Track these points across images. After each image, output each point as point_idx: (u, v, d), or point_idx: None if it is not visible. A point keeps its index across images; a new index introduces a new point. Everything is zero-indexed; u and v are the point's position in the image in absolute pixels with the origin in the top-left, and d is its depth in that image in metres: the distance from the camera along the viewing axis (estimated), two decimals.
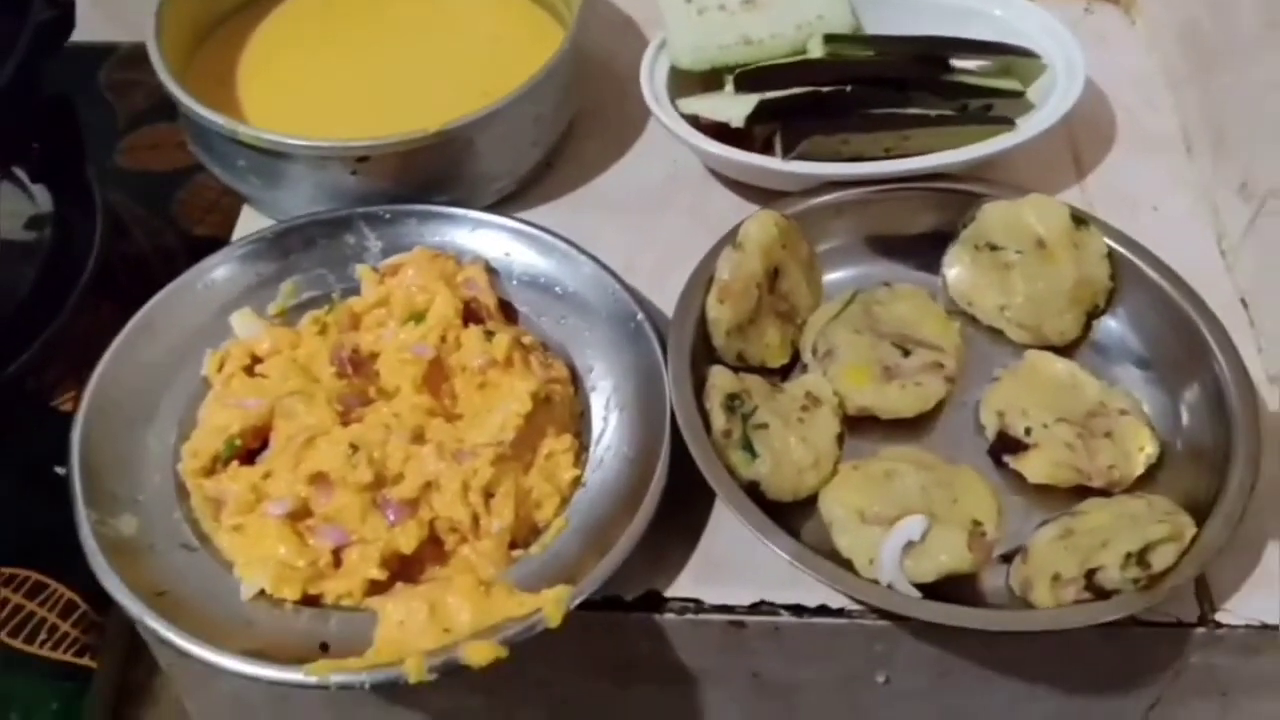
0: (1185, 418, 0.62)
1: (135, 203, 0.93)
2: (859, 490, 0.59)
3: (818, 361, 0.64)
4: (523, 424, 0.59)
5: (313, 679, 0.52)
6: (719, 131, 0.71)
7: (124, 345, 0.63)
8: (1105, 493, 0.60)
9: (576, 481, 0.60)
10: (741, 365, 0.64)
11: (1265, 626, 0.57)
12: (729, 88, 0.73)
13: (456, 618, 0.54)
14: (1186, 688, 0.60)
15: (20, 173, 0.80)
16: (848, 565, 0.57)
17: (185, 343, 0.65)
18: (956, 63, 0.75)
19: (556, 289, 0.67)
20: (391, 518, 0.57)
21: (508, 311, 0.67)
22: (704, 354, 0.63)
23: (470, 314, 0.65)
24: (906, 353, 0.64)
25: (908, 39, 0.74)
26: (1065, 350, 0.66)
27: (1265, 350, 0.66)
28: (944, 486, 0.59)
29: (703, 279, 0.64)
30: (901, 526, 0.56)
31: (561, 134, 0.76)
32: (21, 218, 0.81)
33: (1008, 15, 0.77)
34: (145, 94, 1.01)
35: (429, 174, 0.70)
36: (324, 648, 0.54)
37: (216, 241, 0.69)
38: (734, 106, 0.70)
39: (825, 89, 0.70)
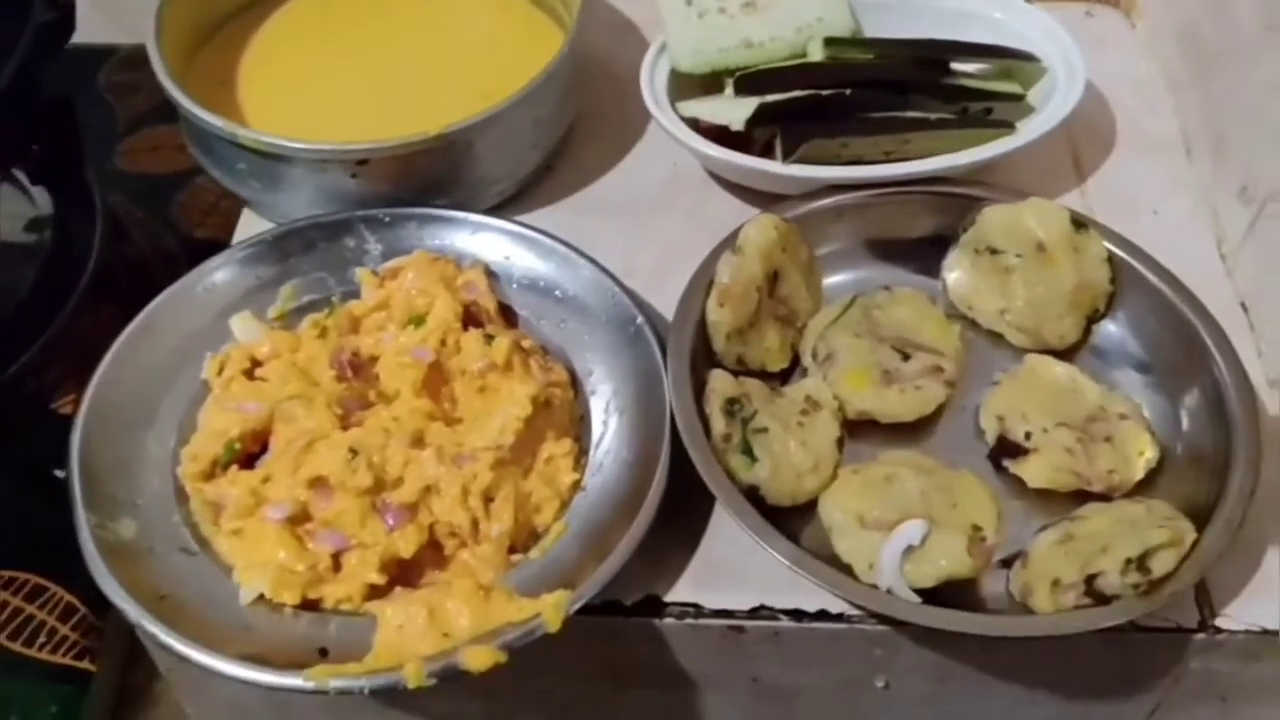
0: (1185, 422, 0.62)
1: (135, 205, 0.93)
2: (859, 495, 0.59)
3: (817, 365, 0.64)
4: (522, 428, 0.59)
5: (311, 684, 0.52)
6: (719, 135, 0.71)
7: (124, 348, 0.63)
8: (1105, 497, 0.60)
9: (576, 485, 0.60)
10: (741, 369, 0.64)
11: (1265, 632, 0.57)
12: (729, 91, 0.73)
13: (456, 622, 0.54)
14: (1187, 693, 0.60)
15: (20, 175, 0.80)
16: (847, 570, 0.57)
17: (185, 346, 0.65)
18: (956, 66, 0.74)
19: (556, 292, 0.67)
20: (391, 522, 0.57)
21: (507, 315, 0.67)
22: (704, 358, 0.63)
23: (470, 317, 0.65)
24: (906, 357, 0.64)
25: (908, 42, 0.74)
26: (1065, 354, 0.66)
27: (1265, 354, 0.66)
28: (944, 491, 0.58)
29: (702, 282, 0.64)
30: (901, 531, 0.56)
31: (561, 137, 0.76)
32: (21, 220, 0.81)
33: (1008, 18, 0.77)
34: (145, 96, 1.01)
35: (429, 177, 0.70)
36: (323, 652, 0.54)
37: (216, 244, 0.69)
38: (734, 109, 0.70)
39: (825, 92, 0.70)
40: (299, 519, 0.57)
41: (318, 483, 0.58)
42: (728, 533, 0.59)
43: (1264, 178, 0.68)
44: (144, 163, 0.98)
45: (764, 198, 0.72)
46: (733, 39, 0.74)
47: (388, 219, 0.69)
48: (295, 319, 0.66)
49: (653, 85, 0.74)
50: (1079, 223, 0.67)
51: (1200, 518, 0.56)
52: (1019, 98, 0.74)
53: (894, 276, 0.69)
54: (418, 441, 0.59)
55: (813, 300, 0.68)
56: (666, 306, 0.65)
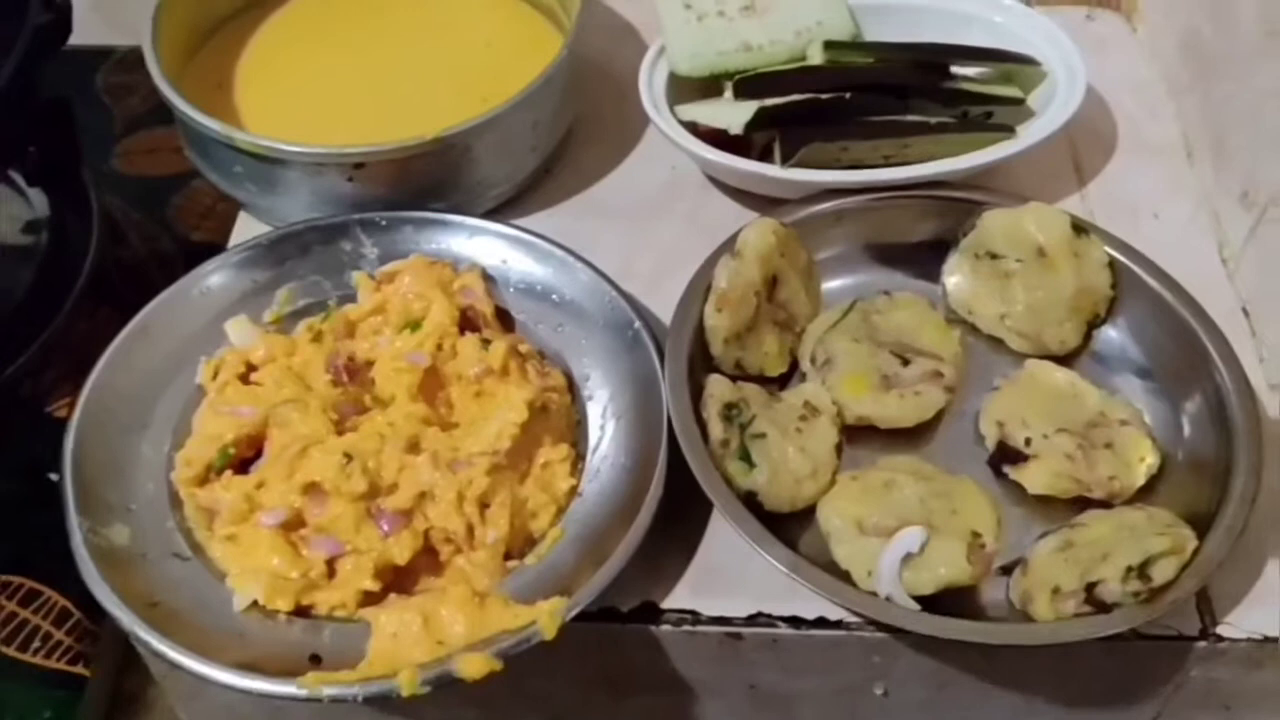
0: (1186, 428, 0.62)
1: (131, 208, 0.93)
2: (857, 501, 0.58)
3: (816, 370, 0.64)
4: (519, 433, 0.59)
5: (305, 692, 0.52)
6: (718, 138, 0.71)
7: (119, 351, 0.63)
8: (1106, 504, 0.59)
9: (573, 491, 0.60)
10: (739, 374, 0.63)
11: (1267, 639, 0.57)
12: (728, 94, 0.72)
13: (450, 629, 0.54)
14: (1188, 702, 0.60)
15: (17, 176, 0.80)
16: (846, 577, 0.56)
17: (180, 349, 0.64)
18: (956, 70, 0.74)
19: (554, 296, 0.66)
20: (385, 528, 0.57)
21: (504, 319, 0.67)
22: (702, 362, 0.63)
23: (467, 322, 0.65)
24: (906, 362, 0.64)
25: (907, 46, 0.74)
26: (1065, 359, 0.65)
27: (1267, 360, 0.66)
28: (943, 497, 0.58)
29: (701, 287, 0.64)
30: (900, 538, 0.56)
31: (559, 140, 0.76)
32: (18, 222, 0.81)
33: (1008, 22, 0.77)
34: (142, 98, 1.01)
35: (426, 180, 0.70)
36: (316, 660, 0.54)
37: (212, 247, 0.69)
38: (733, 113, 0.69)
39: (825, 96, 0.70)
40: (293, 525, 0.57)
41: (312, 488, 0.57)
42: (725, 539, 0.59)
43: (1265, 182, 0.68)
44: (141, 165, 0.98)
45: (763, 202, 0.71)
46: (732, 42, 0.73)
47: (384, 222, 0.68)
48: (291, 323, 0.66)
49: (651, 88, 0.74)
50: (1079, 227, 0.66)
51: (1201, 524, 0.56)
52: (1019, 102, 0.74)
53: (893, 281, 0.69)
54: (413, 447, 0.59)
55: (811, 305, 0.67)
56: (664, 311, 0.64)
